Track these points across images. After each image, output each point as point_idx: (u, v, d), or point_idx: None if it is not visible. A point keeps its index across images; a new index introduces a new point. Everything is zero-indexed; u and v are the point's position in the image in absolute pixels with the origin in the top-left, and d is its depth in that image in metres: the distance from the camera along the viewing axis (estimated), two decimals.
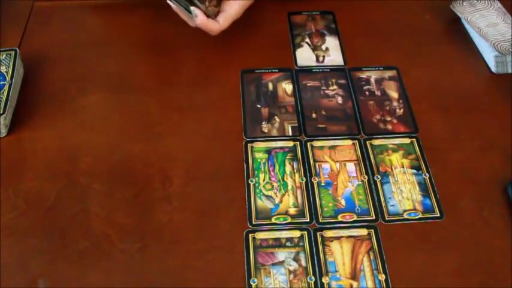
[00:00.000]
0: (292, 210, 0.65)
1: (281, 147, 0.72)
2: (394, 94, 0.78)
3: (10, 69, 0.76)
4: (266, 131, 0.74)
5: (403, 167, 0.70)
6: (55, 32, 0.87)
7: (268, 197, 0.66)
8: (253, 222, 0.64)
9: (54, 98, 0.77)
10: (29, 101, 0.76)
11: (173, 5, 0.76)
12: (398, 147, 0.72)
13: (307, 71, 0.81)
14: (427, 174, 0.69)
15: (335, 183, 0.68)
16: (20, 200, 0.66)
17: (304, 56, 0.83)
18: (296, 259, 0.61)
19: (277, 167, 0.69)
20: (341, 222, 0.64)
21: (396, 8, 0.91)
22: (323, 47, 0.85)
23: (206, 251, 0.62)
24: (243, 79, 0.80)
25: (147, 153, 0.71)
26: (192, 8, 0.75)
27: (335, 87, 0.79)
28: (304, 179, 0.68)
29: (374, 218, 0.65)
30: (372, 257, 0.61)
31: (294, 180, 0.68)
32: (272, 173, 0.69)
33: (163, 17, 0.82)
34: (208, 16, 0.77)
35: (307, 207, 0.65)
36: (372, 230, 0.63)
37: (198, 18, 0.76)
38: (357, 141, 0.72)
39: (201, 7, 0.76)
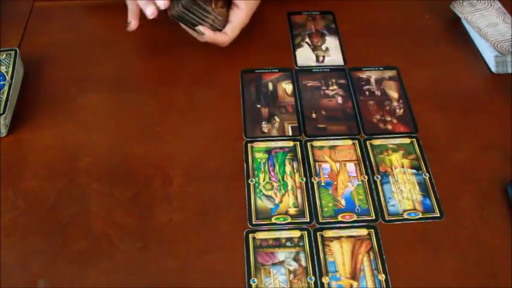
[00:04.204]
0: (292, 210, 0.65)
1: (281, 147, 0.72)
2: (394, 94, 0.78)
3: (10, 69, 0.76)
4: (266, 131, 0.74)
5: (403, 167, 0.70)
6: (55, 32, 0.87)
7: (268, 197, 0.66)
8: (253, 222, 0.64)
9: (54, 98, 0.77)
10: (29, 101, 0.76)
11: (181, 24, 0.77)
12: (398, 147, 0.72)
13: (307, 71, 0.81)
14: (427, 174, 0.69)
15: (335, 183, 0.68)
16: (20, 200, 0.66)
17: (304, 56, 0.83)
18: (296, 259, 0.61)
19: (277, 167, 0.69)
20: (341, 222, 0.64)
21: (396, 8, 0.91)
22: (323, 47, 0.85)
23: (206, 251, 0.62)
24: (243, 79, 0.80)
25: (147, 153, 0.71)
26: (197, 27, 0.76)
27: (335, 87, 0.79)
28: (304, 179, 0.68)
29: (374, 218, 0.65)
30: (372, 257, 0.61)
31: (294, 180, 0.68)
32: (272, 173, 0.69)
33: (164, 17, 0.82)
34: (216, 29, 0.78)
35: (307, 207, 0.65)
36: (372, 230, 0.63)
37: (206, 35, 0.77)
38: (357, 141, 0.72)
39: (208, 19, 0.76)
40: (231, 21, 0.79)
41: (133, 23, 0.79)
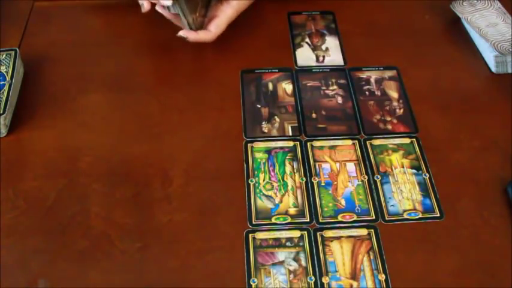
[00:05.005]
0: (292, 210, 0.65)
1: (281, 147, 0.72)
2: (394, 94, 0.78)
3: (10, 69, 0.76)
4: (266, 131, 0.74)
5: (403, 167, 0.70)
6: (55, 32, 0.87)
7: (268, 197, 0.66)
8: (253, 222, 0.64)
9: (54, 98, 0.77)
10: (29, 101, 0.76)
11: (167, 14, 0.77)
12: (398, 147, 0.72)
13: (307, 71, 0.81)
14: (427, 174, 0.69)
15: (335, 183, 0.68)
16: (20, 200, 0.66)
17: (304, 56, 0.83)
18: (296, 259, 0.61)
19: (277, 167, 0.69)
20: (341, 222, 0.64)
21: (396, 8, 0.91)
22: (323, 47, 0.85)
23: (206, 251, 0.62)
24: (243, 79, 0.80)
25: (147, 153, 0.71)
26: (179, 33, 0.76)
27: (335, 87, 0.79)
28: (304, 179, 0.68)
29: (374, 218, 0.65)
30: (372, 257, 0.61)
31: (294, 180, 0.68)
32: (272, 173, 0.69)
33: (163, 17, 0.82)
34: (195, 28, 0.78)
35: (307, 207, 0.65)
36: (372, 230, 0.63)
37: (190, 38, 0.77)
38: (357, 141, 0.72)
39: (188, 20, 0.76)
40: (217, 15, 0.78)
41: (145, 4, 0.78)
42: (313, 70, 0.81)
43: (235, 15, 0.79)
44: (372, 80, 0.80)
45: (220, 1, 0.79)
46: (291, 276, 0.60)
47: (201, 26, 0.79)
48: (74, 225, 0.64)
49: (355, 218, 0.65)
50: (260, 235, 0.63)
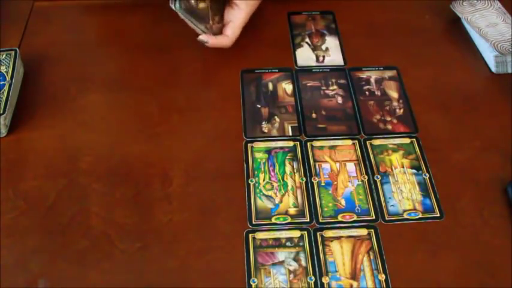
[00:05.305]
0: (292, 210, 0.65)
1: (281, 147, 0.72)
2: (394, 94, 0.78)
3: (10, 69, 0.76)
4: (266, 131, 0.74)
5: (403, 167, 0.70)
6: (55, 32, 0.87)
7: (268, 197, 0.66)
8: (253, 222, 0.64)
9: (54, 98, 0.77)
10: (29, 101, 0.76)
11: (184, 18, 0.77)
12: (398, 147, 0.72)
13: (307, 71, 0.81)
14: (427, 174, 0.69)
15: (335, 183, 0.68)
16: (20, 200, 0.66)
17: (304, 56, 0.83)
18: (296, 259, 0.61)
19: (277, 167, 0.69)
20: (341, 222, 0.64)
21: (396, 8, 0.91)
22: (323, 47, 0.85)
23: (206, 251, 0.62)
24: (243, 79, 0.80)
25: (147, 153, 0.71)
26: (199, 37, 0.78)
27: (335, 87, 0.79)
28: (304, 179, 0.68)
29: (374, 218, 0.65)
30: (372, 257, 0.61)
31: (294, 180, 0.68)
32: (272, 173, 0.69)
33: (163, 17, 0.82)
34: (213, 34, 0.79)
35: (307, 207, 0.65)
36: (372, 230, 0.63)
37: (210, 43, 0.78)
38: (356, 141, 0.72)
39: (203, 29, 0.77)
40: (231, 21, 0.79)
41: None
42: (313, 70, 0.81)
43: (247, 18, 0.80)
44: (372, 80, 0.80)
45: (230, 6, 0.79)
46: (291, 276, 0.60)
47: (220, 32, 0.79)
48: (74, 225, 0.64)
49: (355, 218, 0.65)
50: (260, 235, 0.63)
